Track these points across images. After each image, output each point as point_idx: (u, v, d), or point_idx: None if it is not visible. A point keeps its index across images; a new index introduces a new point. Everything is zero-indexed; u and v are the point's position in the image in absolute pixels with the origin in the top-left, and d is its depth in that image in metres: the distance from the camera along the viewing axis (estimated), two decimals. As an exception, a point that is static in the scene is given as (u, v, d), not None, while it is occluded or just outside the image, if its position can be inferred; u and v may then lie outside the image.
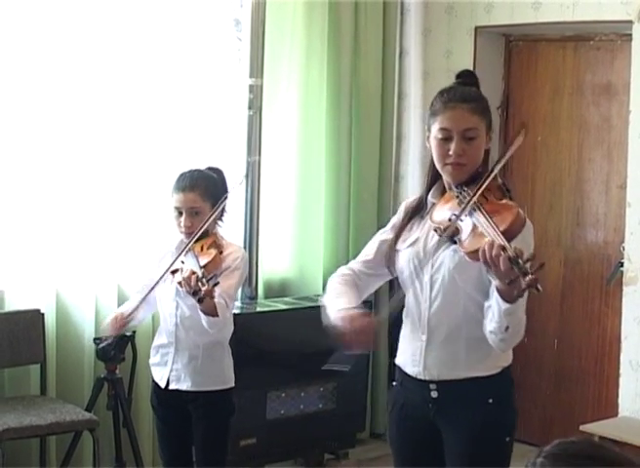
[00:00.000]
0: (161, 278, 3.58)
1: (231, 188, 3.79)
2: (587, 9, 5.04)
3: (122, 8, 4.86)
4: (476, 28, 5.55)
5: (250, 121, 5.21)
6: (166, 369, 3.75)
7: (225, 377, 3.76)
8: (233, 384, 3.77)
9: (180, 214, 3.65)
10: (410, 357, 2.90)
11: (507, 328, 2.63)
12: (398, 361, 2.97)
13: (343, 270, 3.01)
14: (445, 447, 2.87)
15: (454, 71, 2.98)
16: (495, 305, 2.62)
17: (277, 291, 5.50)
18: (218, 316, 3.48)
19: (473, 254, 2.54)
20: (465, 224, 2.62)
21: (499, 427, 2.85)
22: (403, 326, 2.95)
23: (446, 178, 2.82)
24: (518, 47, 5.70)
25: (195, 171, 3.75)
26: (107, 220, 4.88)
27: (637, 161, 4.90)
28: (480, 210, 2.59)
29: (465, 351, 2.81)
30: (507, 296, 2.54)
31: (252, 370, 4.74)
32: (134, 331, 4.40)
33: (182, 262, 3.52)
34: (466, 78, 2.91)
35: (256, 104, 5.20)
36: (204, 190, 3.66)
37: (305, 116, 5.50)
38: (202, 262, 3.46)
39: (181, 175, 3.73)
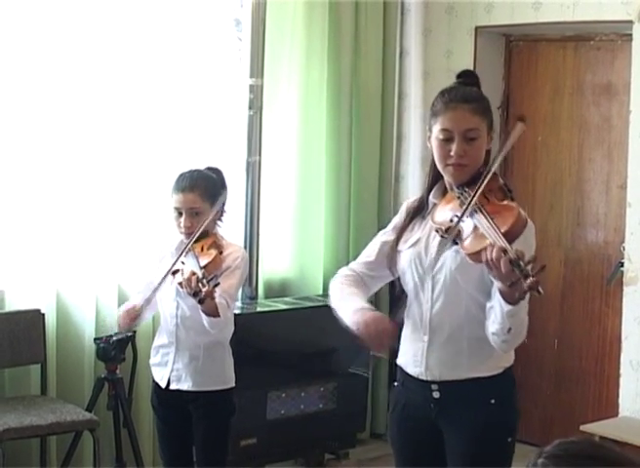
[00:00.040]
0: (163, 280, 3.56)
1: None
2: (588, 9, 5.04)
3: (122, 8, 4.86)
4: (476, 28, 5.54)
5: (250, 121, 5.21)
6: (166, 369, 3.74)
7: (226, 377, 3.75)
8: (234, 384, 3.77)
9: (180, 214, 3.64)
10: (412, 357, 2.89)
11: (510, 329, 2.63)
12: (400, 361, 2.96)
13: (346, 271, 3.00)
14: (446, 447, 2.87)
15: (454, 71, 2.97)
16: (497, 307, 2.62)
17: (277, 291, 5.49)
18: (219, 316, 3.47)
19: (474, 256, 2.54)
20: (466, 225, 2.61)
21: (501, 428, 2.85)
22: (405, 326, 2.94)
23: (447, 179, 2.81)
24: (518, 47, 5.70)
25: (195, 171, 3.74)
26: (107, 220, 4.88)
27: (637, 161, 4.90)
28: (481, 211, 2.58)
29: (467, 351, 2.81)
30: (509, 298, 2.53)
31: (252, 370, 4.73)
32: (134, 332, 4.40)
33: (183, 263, 3.51)
34: (467, 78, 2.89)
35: (256, 104, 5.20)
36: (204, 190, 3.65)
37: (306, 116, 5.50)
38: (202, 263, 3.45)
39: (181, 175, 3.72)
